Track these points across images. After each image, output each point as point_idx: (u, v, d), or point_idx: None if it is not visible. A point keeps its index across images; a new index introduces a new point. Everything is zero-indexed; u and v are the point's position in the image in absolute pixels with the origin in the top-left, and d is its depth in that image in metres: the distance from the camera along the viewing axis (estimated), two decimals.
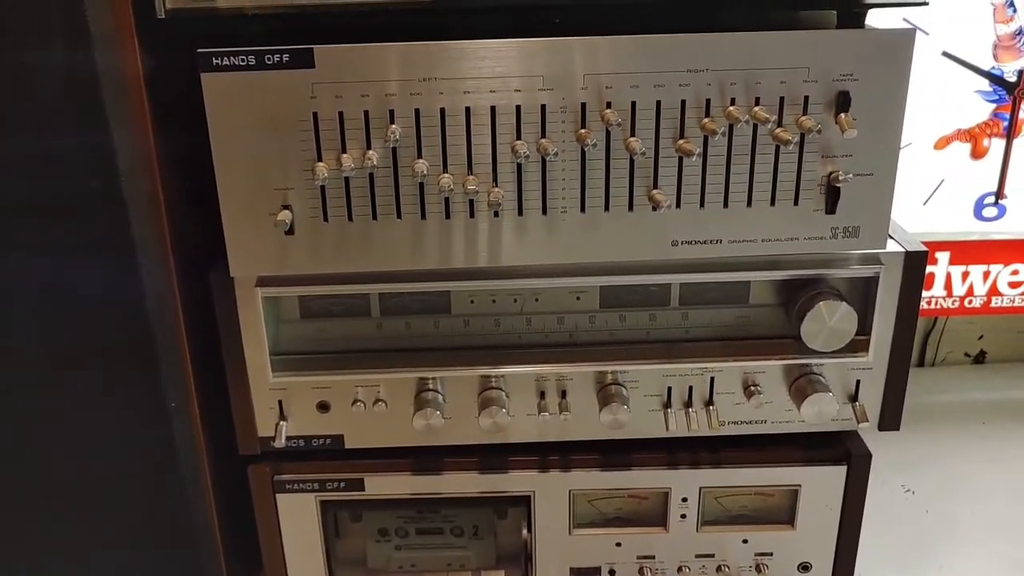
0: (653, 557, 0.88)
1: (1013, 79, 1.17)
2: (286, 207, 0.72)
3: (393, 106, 0.69)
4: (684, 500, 0.86)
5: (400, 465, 0.85)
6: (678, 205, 0.73)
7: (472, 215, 0.73)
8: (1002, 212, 1.23)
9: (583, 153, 0.71)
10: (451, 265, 0.75)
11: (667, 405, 0.82)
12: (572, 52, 0.69)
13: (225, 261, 0.74)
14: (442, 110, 0.70)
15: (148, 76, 0.70)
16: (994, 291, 1.26)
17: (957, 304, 1.27)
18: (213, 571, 0.84)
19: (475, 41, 0.69)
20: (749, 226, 0.74)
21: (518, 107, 0.70)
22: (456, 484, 0.85)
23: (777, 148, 0.72)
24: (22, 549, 0.81)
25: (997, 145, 1.20)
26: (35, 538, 0.80)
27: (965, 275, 1.25)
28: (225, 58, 0.68)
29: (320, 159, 0.70)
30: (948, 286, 1.26)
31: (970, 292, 1.26)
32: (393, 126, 0.69)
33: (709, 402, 0.82)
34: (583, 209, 0.73)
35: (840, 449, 0.85)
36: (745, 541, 0.87)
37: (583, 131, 0.70)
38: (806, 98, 0.70)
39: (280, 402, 0.81)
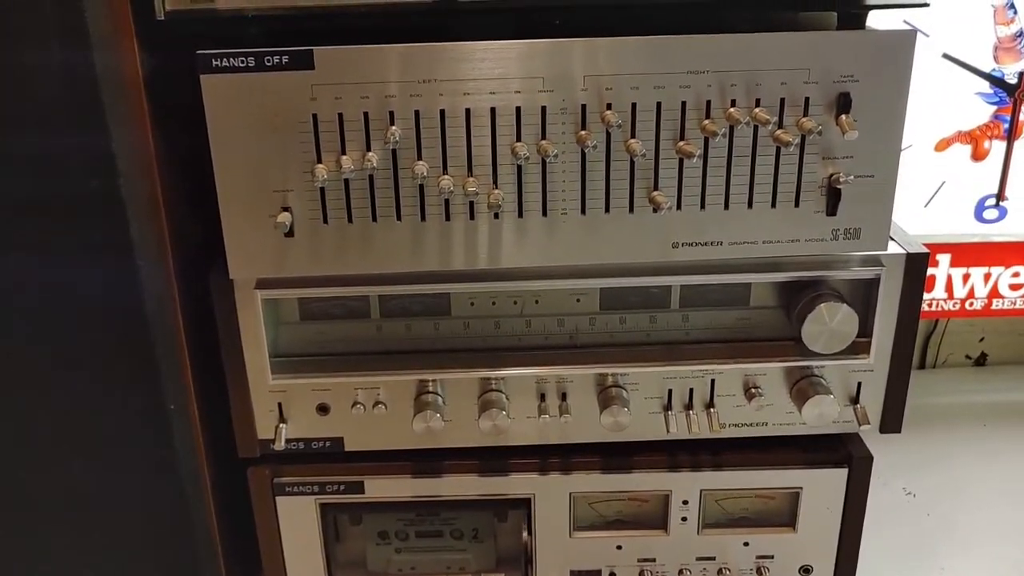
0: (654, 560, 0.88)
1: (1014, 81, 1.17)
2: (286, 209, 0.72)
3: (393, 107, 0.69)
4: (685, 503, 0.85)
5: (400, 468, 0.85)
6: (679, 207, 0.73)
7: (472, 217, 0.73)
8: (1003, 214, 1.23)
9: (583, 155, 0.71)
10: (451, 267, 0.74)
11: (668, 407, 0.81)
12: (572, 53, 0.69)
13: (224, 263, 0.74)
14: (442, 111, 0.70)
15: (147, 77, 0.70)
16: (995, 293, 1.26)
17: (958, 306, 1.27)
18: (212, 574, 0.84)
19: (475, 42, 0.68)
20: (750, 228, 0.74)
21: (518, 108, 0.70)
22: (456, 487, 0.85)
23: (778, 149, 0.72)
24: (21, 550, 0.81)
25: (998, 147, 1.20)
26: (34, 539, 0.80)
27: (966, 277, 1.25)
28: (224, 59, 0.68)
29: (320, 161, 0.70)
30: (949, 288, 1.26)
31: (971, 294, 1.26)
32: (393, 127, 0.69)
33: (710, 404, 0.82)
34: (583, 211, 0.73)
35: (841, 451, 0.84)
36: (746, 544, 0.87)
37: (583, 132, 0.70)
38: (807, 99, 0.70)
39: (280, 404, 0.81)
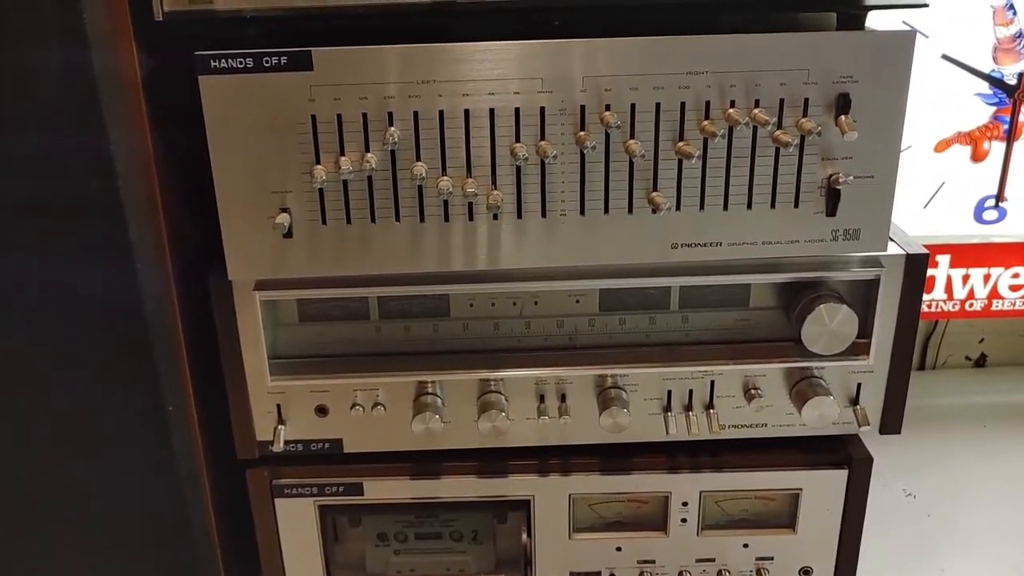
0: (654, 561, 0.88)
1: (1013, 82, 1.17)
2: (284, 210, 0.72)
3: (392, 108, 0.69)
4: (684, 504, 0.85)
5: (399, 469, 0.85)
6: (678, 207, 0.73)
7: (471, 218, 0.73)
8: (1003, 215, 1.23)
9: (582, 155, 0.71)
10: (450, 268, 0.74)
11: (667, 408, 0.81)
12: (571, 54, 0.69)
13: (223, 264, 0.74)
14: (441, 112, 0.70)
15: (146, 78, 0.69)
16: (995, 294, 1.26)
17: (958, 307, 1.27)
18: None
19: (474, 43, 0.68)
20: (749, 228, 0.74)
21: (517, 109, 0.70)
22: (455, 488, 0.85)
23: (777, 150, 0.72)
24: (19, 551, 0.81)
25: (997, 148, 1.20)
26: (32, 541, 0.80)
27: (966, 278, 1.25)
28: (223, 60, 0.67)
29: (318, 162, 0.70)
30: (949, 289, 1.26)
31: (971, 295, 1.26)
32: (392, 128, 0.69)
33: (709, 405, 0.81)
34: (582, 212, 0.73)
35: (841, 453, 0.84)
36: (746, 545, 0.87)
37: (582, 133, 0.70)
38: (806, 100, 0.70)
39: (278, 406, 0.81)
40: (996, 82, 1.17)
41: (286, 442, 0.81)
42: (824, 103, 0.70)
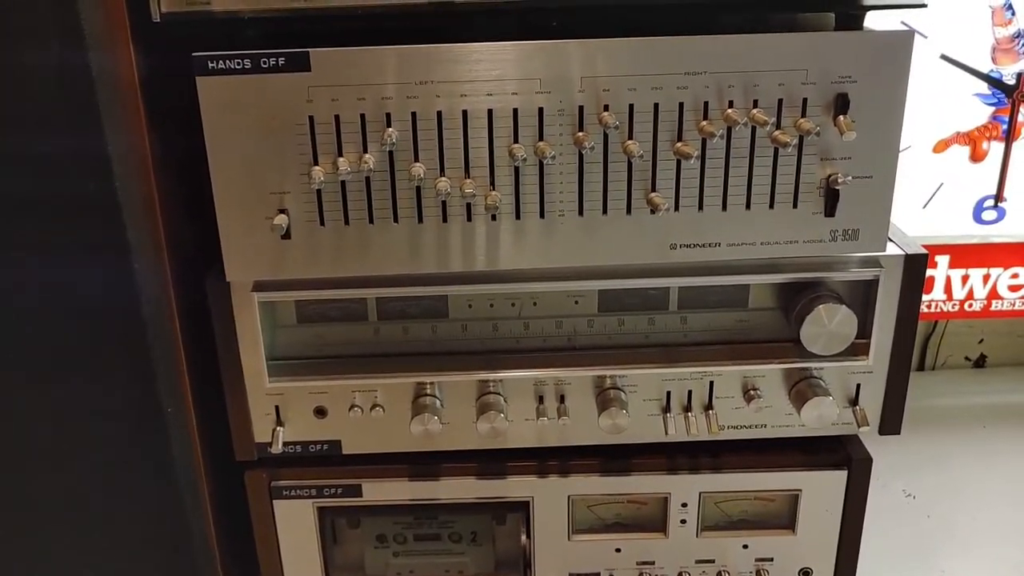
0: (653, 563, 0.88)
1: (1012, 82, 1.17)
2: (282, 211, 0.71)
3: (389, 109, 0.69)
4: (684, 505, 0.85)
5: (398, 471, 0.84)
6: (676, 208, 0.73)
7: (469, 219, 0.73)
8: (1001, 215, 1.23)
9: (581, 156, 0.71)
10: (448, 269, 0.74)
11: (666, 409, 0.81)
12: (569, 55, 0.69)
13: (221, 265, 0.73)
14: (439, 113, 0.70)
15: (143, 79, 0.69)
16: (994, 295, 1.26)
17: (957, 308, 1.27)
18: None
19: (472, 44, 0.68)
20: (748, 229, 0.74)
21: (515, 110, 0.70)
22: (454, 490, 0.85)
23: (776, 150, 0.72)
24: (18, 553, 0.80)
25: (996, 148, 1.20)
26: (31, 542, 0.80)
27: (965, 279, 1.25)
28: (221, 61, 0.67)
29: (316, 163, 0.70)
30: (948, 290, 1.26)
31: (970, 296, 1.26)
32: (390, 129, 0.69)
33: (708, 406, 0.81)
34: (581, 212, 0.73)
35: (841, 453, 0.84)
36: (745, 546, 0.87)
37: (581, 134, 0.70)
38: (804, 100, 0.70)
39: (277, 407, 0.80)
40: (995, 82, 1.17)
41: (285, 443, 0.81)
42: (823, 103, 0.70)
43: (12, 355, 0.73)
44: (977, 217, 1.23)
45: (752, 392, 0.81)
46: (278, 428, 0.80)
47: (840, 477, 0.84)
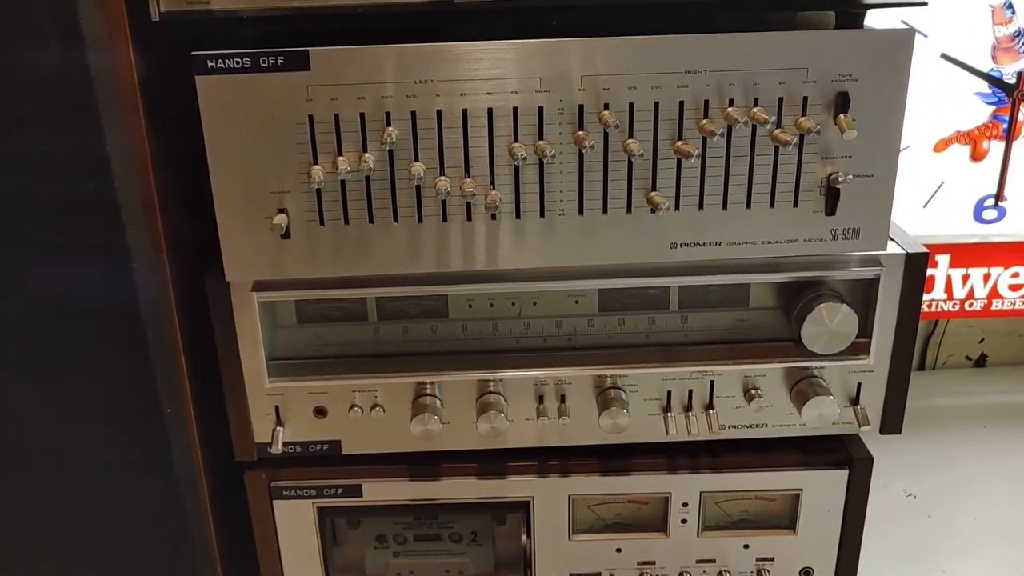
0: (654, 563, 0.87)
1: (1012, 81, 1.17)
2: (282, 210, 0.71)
3: (389, 108, 0.69)
4: (684, 505, 0.85)
5: (398, 471, 0.84)
6: (677, 207, 0.73)
7: (469, 218, 0.72)
8: (1002, 214, 1.23)
9: (581, 155, 0.71)
10: (448, 269, 0.74)
11: (667, 409, 0.81)
12: (569, 53, 0.69)
13: (220, 265, 0.73)
14: (439, 112, 0.69)
15: (143, 78, 0.69)
16: (995, 294, 1.26)
17: (957, 307, 1.27)
18: None
19: (472, 43, 0.68)
20: (748, 228, 0.74)
21: (515, 109, 0.70)
22: (454, 490, 0.85)
23: (776, 149, 0.71)
24: (17, 554, 0.80)
25: (997, 147, 1.20)
26: (30, 544, 0.80)
27: (965, 278, 1.25)
28: (220, 60, 0.67)
29: (316, 162, 0.70)
30: (948, 289, 1.26)
31: (970, 295, 1.26)
32: (389, 128, 0.69)
33: (709, 406, 0.81)
34: (581, 211, 0.73)
35: (841, 453, 0.84)
36: (746, 546, 0.87)
37: (581, 133, 0.70)
38: (805, 99, 0.70)
39: (277, 407, 0.80)
40: (995, 81, 1.17)
41: (284, 444, 0.81)
42: (823, 102, 0.70)
43: (12, 355, 0.73)
44: (977, 216, 1.23)
45: (753, 391, 0.80)
46: (278, 428, 0.80)
47: (841, 477, 0.84)
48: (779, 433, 0.83)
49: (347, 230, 0.72)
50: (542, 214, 0.73)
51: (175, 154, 0.75)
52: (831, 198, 0.73)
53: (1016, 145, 1.19)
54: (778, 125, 0.70)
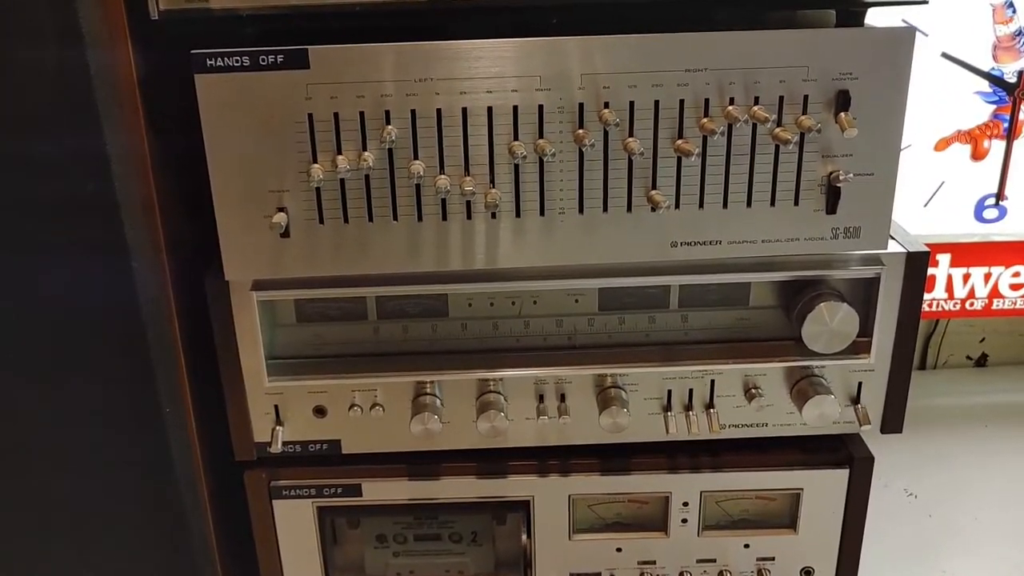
0: (654, 562, 0.87)
1: (1013, 80, 1.16)
2: (281, 209, 0.71)
3: (389, 107, 0.69)
4: (685, 504, 0.85)
5: (398, 470, 0.84)
6: (677, 206, 0.73)
7: (469, 216, 0.72)
8: (1003, 214, 1.22)
9: (581, 154, 0.71)
10: (448, 267, 0.74)
11: (667, 408, 0.81)
12: (569, 52, 0.68)
13: (220, 264, 0.73)
14: (438, 111, 0.69)
15: (142, 78, 0.69)
16: (995, 293, 1.26)
17: (958, 306, 1.27)
18: None
19: (471, 41, 0.68)
20: (749, 227, 0.74)
21: (515, 107, 0.70)
22: (454, 489, 0.84)
23: (777, 148, 0.71)
24: (17, 554, 0.80)
25: (997, 146, 1.19)
26: (30, 544, 0.80)
27: (966, 277, 1.25)
28: (219, 59, 0.67)
29: (315, 160, 0.70)
30: (949, 288, 1.25)
31: (971, 294, 1.26)
32: (389, 127, 0.69)
33: (709, 405, 0.81)
34: (581, 210, 0.73)
35: (842, 452, 0.84)
36: (747, 546, 0.87)
37: (581, 131, 0.70)
38: (805, 97, 0.70)
39: (276, 407, 0.80)
40: (996, 80, 1.16)
41: (284, 443, 0.81)
42: (824, 100, 0.70)
43: (12, 355, 0.73)
44: (978, 215, 1.23)
45: (753, 391, 0.80)
46: (277, 428, 0.80)
47: (842, 476, 0.84)
48: (780, 432, 0.82)
49: (347, 229, 0.72)
50: (542, 213, 0.73)
51: (175, 154, 0.74)
52: (832, 197, 0.73)
53: (1017, 144, 1.19)
54: (779, 123, 0.70)
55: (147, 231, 0.72)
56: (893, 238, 0.77)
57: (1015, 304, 1.26)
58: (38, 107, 0.66)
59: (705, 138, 0.70)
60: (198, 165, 0.71)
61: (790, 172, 0.72)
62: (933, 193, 1.21)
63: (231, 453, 0.82)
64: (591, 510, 0.86)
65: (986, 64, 1.16)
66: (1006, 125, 1.18)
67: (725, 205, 0.73)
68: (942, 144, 1.19)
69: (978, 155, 1.20)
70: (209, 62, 0.67)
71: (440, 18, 0.70)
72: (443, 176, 0.71)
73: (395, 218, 0.72)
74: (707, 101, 0.70)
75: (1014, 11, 1.13)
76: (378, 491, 0.84)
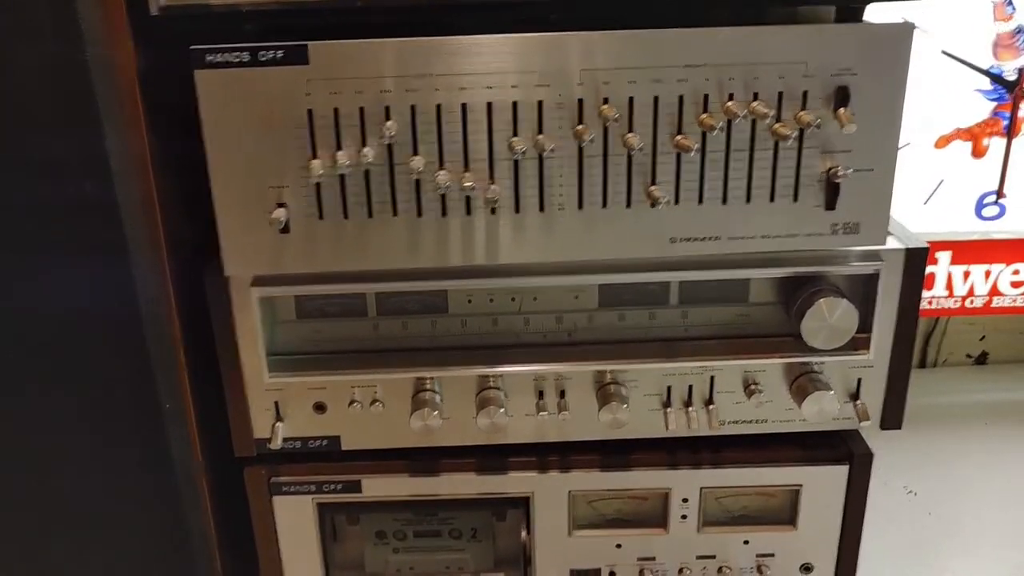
0: (654, 558, 0.87)
1: (1013, 77, 1.17)
2: (281, 205, 0.71)
3: (389, 102, 0.69)
4: (685, 501, 0.85)
5: (398, 466, 0.84)
6: (676, 201, 0.73)
7: (469, 212, 0.72)
8: (1003, 211, 1.23)
9: (580, 149, 0.71)
10: (448, 263, 0.74)
11: (667, 404, 0.81)
12: (568, 48, 0.68)
13: (219, 260, 0.73)
14: (438, 106, 0.69)
15: (142, 75, 0.69)
16: (995, 291, 1.26)
17: (958, 304, 1.27)
18: (209, 574, 0.83)
19: (471, 37, 0.68)
20: (748, 222, 0.74)
21: (515, 103, 0.70)
22: (454, 486, 0.84)
23: (776, 143, 0.71)
24: (17, 553, 0.80)
25: (997, 144, 1.19)
26: (30, 542, 0.80)
27: (966, 275, 1.25)
28: (219, 55, 0.67)
29: (315, 156, 0.70)
30: (949, 286, 1.25)
31: (971, 292, 1.26)
32: (389, 123, 0.69)
33: (709, 401, 0.81)
34: (580, 206, 0.73)
35: (842, 448, 0.84)
36: (746, 542, 0.87)
37: (580, 127, 0.70)
38: (805, 93, 0.70)
39: (276, 403, 0.80)
40: (996, 78, 1.17)
41: (284, 439, 0.81)
42: (823, 96, 0.70)
43: (11, 355, 0.73)
44: (978, 213, 1.23)
45: (753, 387, 0.80)
46: (277, 424, 0.80)
47: (841, 472, 0.84)
48: (779, 428, 0.82)
49: (346, 224, 0.72)
50: (541, 208, 0.73)
51: (175, 153, 0.74)
52: (831, 192, 0.73)
53: (1017, 142, 1.19)
54: (778, 119, 0.70)
55: (147, 231, 0.71)
56: (892, 234, 0.77)
57: (1015, 302, 1.26)
58: (38, 107, 0.66)
59: (704, 134, 0.70)
60: (198, 165, 0.71)
61: (789, 168, 0.72)
62: (933, 191, 1.21)
63: (231, 450, 0.82)
64: (591, 506, 0.86)
65: (986, 62, 1.16)
66: (1006, 123, 1.18)
67: (724, 201, 0.73)
68: (942, 142, 1.19)
69: (978, 153, 1.20)
70: (208, 58, 0.67)
71: (439, 14, 0.70)
72: (443, 171, 0.71)
73: (395, 213, 0.72)
74: (706, 97, 0.70)
75: (1014, 9, 1.13)
76: (378, 487, 0.84)
